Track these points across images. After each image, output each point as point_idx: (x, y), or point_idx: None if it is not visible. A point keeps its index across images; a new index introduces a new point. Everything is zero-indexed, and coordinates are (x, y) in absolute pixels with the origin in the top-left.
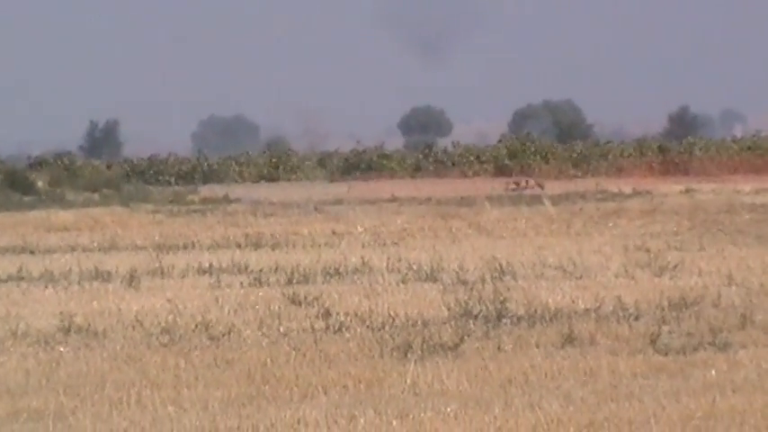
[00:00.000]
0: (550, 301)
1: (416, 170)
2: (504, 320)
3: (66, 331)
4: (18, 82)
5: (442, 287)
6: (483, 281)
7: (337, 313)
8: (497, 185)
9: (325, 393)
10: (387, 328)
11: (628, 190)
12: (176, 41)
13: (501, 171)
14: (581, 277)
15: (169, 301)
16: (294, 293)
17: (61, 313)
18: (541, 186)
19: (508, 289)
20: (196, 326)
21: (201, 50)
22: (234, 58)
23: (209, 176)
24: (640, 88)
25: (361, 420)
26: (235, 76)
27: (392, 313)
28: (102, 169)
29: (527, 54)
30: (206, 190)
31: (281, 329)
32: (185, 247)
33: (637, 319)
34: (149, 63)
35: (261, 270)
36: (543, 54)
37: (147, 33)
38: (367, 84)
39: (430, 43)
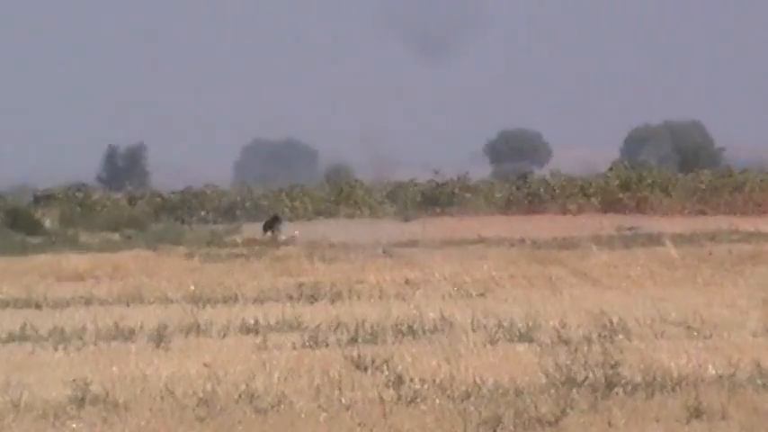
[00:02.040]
0: (673, 365)
1: (507, 205)
2: (615, 389)
3: (81, 402)
4: (20, 100)
5: (538, 348)
6: (589, 340)
7: (411, 380)
8: (606, 224)
9: None
10: (472, 398)
11: None
12: (212, 52)
13: (611, 206)
14: (710, 336)
15: (206, 365)
16: (358, 356)
17: (74, 380)
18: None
19: (620, 350)
20: (239, 396)
21: (244, 63)
22: (284, 72)
23: (255, 213)
24: None
25: None
26: (285, 92)
27: (478, 380)
28: (123, 204)
29: (643, 65)
30: (251, 229)
31: (343, 400)
32: (226, 300)
33: None
34: (181, 78)
35: (318, 327)
36: (663, 66)
37: (178, 43)
38: (445, 102)
39: (519, 53)
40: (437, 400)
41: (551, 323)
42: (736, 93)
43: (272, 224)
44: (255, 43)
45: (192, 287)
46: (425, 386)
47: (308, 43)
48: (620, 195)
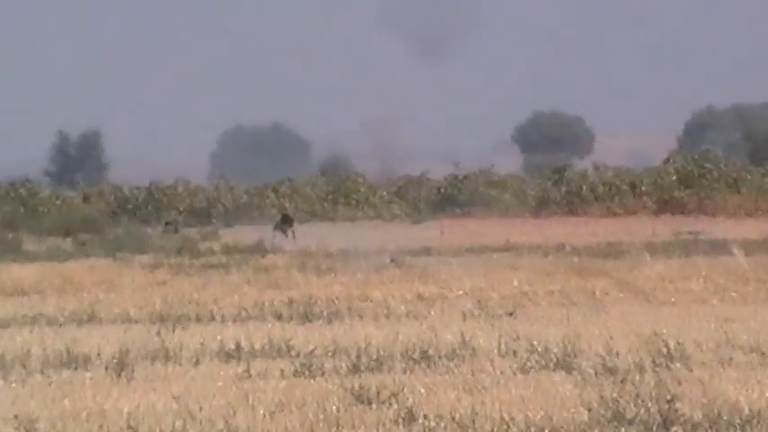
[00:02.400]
0: (742, 399)
1: (541, 205)
2: (673, 429)
3: None
4: None
5: (579, 378)
6: (641, 369)
7: (425, 417)
8: (662, 228)
9: None
10: None
11: None
12: (185, 24)
13: (667, 206)
14: None
15: (176, 398)
16: (361, 387)
17: (16, 417)
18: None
19: (679, 382)
20: None
21: (223, 35)
22: (271, 49)
23: (235, 214)
24: None
25: None
26: (272, 71)
27: (506, 417)
28: (76, 203)
29: (706, 37)
30: (230, 234)
31: None
32: (200, 320)
33: None
34: (146, 53)
35: (312, 353)
36: (729, 38)
37: (143, 13)
38: (464, 81)
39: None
40: None
41: (595, 348)
42: None
43: (283, 225)
44: (236, 17)
45: (159, 304)
46: (442, 424)
47: (301, 19)
48: (679, 193)
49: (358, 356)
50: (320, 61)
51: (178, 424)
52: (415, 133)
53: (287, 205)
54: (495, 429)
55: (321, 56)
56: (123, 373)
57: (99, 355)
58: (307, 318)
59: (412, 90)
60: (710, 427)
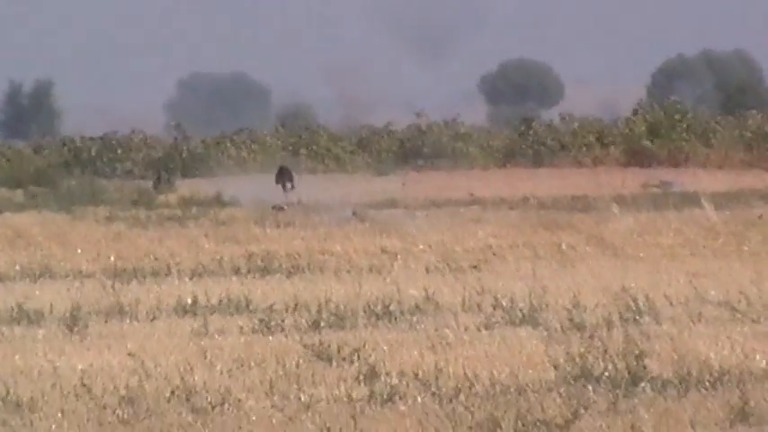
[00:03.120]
0: (712, 355)
1: (508, 157)
2: (641, 385)
3: None
4: None
5: (545, 334)
6: (609, 325)
7: (387, 374)
8: (631, 180)
9: None
10: (462, 396)
11: None
12: None
13: (636, 158)
14: (759, 320)
15: (131, 355)
16: (322, 344)
17: None
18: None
19: (647, 337)
20: (173, 393)
21: None
22: None
23: (193, 165)
24: None
25: None
26: (232, 16)
27: (470, 374)
28: (28, 155)
29: None
30: (187, 186)
31: (303, 398)
32: (156, 275)
33: None
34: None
35: (271, 308)
36: None
37: None
38: (427, 27)
39: None
40: (419, 399)
41: (561, 303)
42: None
43: (282, 178)
44: None
45: (114, 258)
46: (405, 381)
47: None
48: (648, 144)
49: (319, 312)
50: (281, 7)
51: (133, 381)
52: (379, 82)
53: (244, 156)
54: (460, 387)
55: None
56: (76, 330)
57: (51, 311)
58: (266, 272)
59: (375, 39)
60: (680, 384)
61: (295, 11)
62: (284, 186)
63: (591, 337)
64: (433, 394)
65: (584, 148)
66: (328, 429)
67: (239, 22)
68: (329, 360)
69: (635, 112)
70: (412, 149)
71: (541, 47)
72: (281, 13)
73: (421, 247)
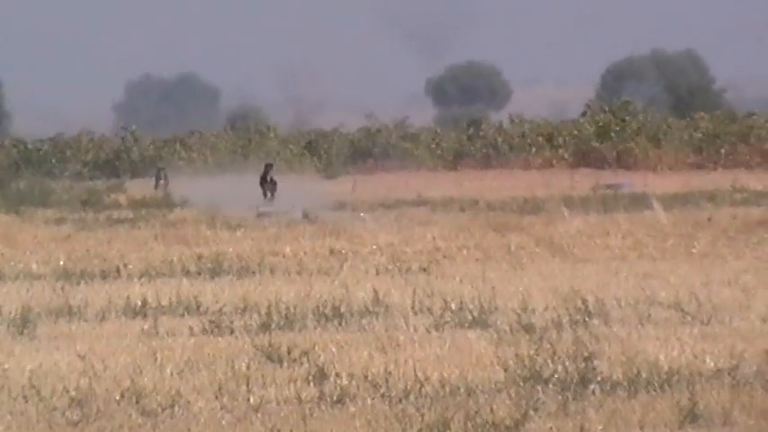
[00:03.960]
0: (662, 357)
1: (457, 158)
2: (591, 387)
3: None
4: None
5: (495, 336)
6: (558, 326)
7: (337, 375)
8: (580, 181)
9: None
10: (412, 397)
11: None
12: None
13: (585, 159)
14: (708, 322)
15: (81, 356)
16: (272, 345)
17: None
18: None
19: (597, 339)
20: (122, 395)
21: None
22: None
23: (142, 166)
24: None
25: None
26: (182, 18)
27: (420, 375)
28: None
29: None
30: (136, 186)
31: (252, 400)
32: (105, 276)
33: None
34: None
35: (221, 310)
36: None
37: None
38: (379, 30)
39: None
40: (369, 400)
41: (511, 305)
42: (740, 18)
43: (265, 183)
44: None
45: (63, 260)
46: (354, 383)
47: None
48: (597, 145)
49: (268, 314)
50: (231, 7)
51: (83, 383)
52: (328, 85)
53: (194, 157)
54: (409, 388)
55: (232, 2)
56: (25, 331)
57: (0, 312)
58: (216, 273)
59: (324, 40)
60: (629, 386)
61: (244, 12)
62: (265, 194)
63: (540, 338)
64: (383, 395)
65: (534, 150)
66: (278, 431)
67: (187, 22)
68: (279, 361)
69: (584, 114)
70: (361, 151)
71: (489, 49)
72: (230, 14)
73: (370, 248)
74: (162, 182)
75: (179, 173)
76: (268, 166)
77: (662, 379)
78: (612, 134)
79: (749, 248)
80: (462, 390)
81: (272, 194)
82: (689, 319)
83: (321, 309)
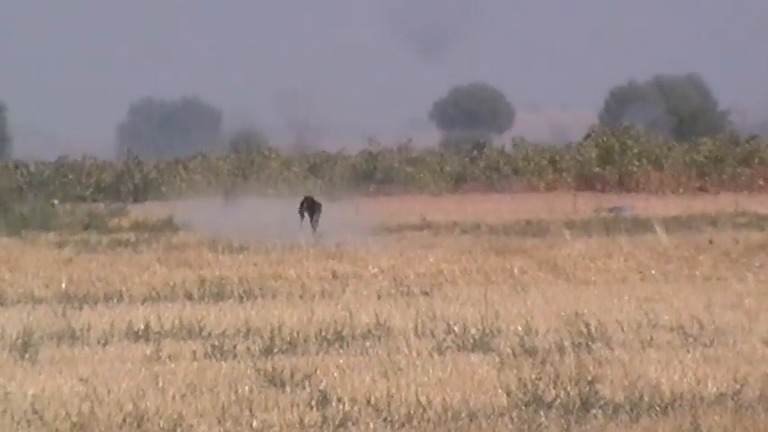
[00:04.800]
0: (664, 381)
1: (460, 181)
2: (593, 411)
3: None
4: None
5: (498, 360)
6: (561, 350)
7: (339, 400)
8: (583, 205)
9: None
10: (414, 422)
11: None
12: None
13: (588, 183)
14: (711, 345)
15: (83, 381)
16: (274, 369)
17: None
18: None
19: (599, 363)
20: (125, 419)
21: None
22: (183, 16)
23: (145, 189)
24: None
25: None
26: (185, 42)
27: (422, 400)
28: None
29: (627, 8)
30: (139, 210)
31: (255, 424)
32: (108, 300)
33: None
34: (52, 23)
35: (224, 333)
36: (651, 9)
37: None
38: (382, 54)
39: None
40: (371, 425)
41: (513, 328)
42: (742, 42)
43: (310, 207)
44: None
45: (66, 283)
46: (357, 407)
47: None
48: (600, 169)
49: (271, 337)
50: (233, 32)
51: (85, 407)
52: (330, 109)
53: (197, 179)
54: (412, 412)
55: (234, 27)
56: (27, 355)
57: (2, 336)
58: (219, 297)
59: (328, 63)
60: (631, 410)
61: (246, 36)
62: (309, 218)
63: (543, 362)
64: (385, 420)
65: (537, 173)
66: None
67: (190, 46)
68: (282, 385)
69: (587, 138)
70: (364, 174)
71: (493, 72)
72: (233, 38)
73: (372, 271)
74: (314, 217)
75: (182, 196)
76: (309, 200)
77: (664, 403)
78: (614, 158)
79: (752, 272)
80: (464, 414)
81: (317, 219)
82: (691, 342)
83: (323, 333)
